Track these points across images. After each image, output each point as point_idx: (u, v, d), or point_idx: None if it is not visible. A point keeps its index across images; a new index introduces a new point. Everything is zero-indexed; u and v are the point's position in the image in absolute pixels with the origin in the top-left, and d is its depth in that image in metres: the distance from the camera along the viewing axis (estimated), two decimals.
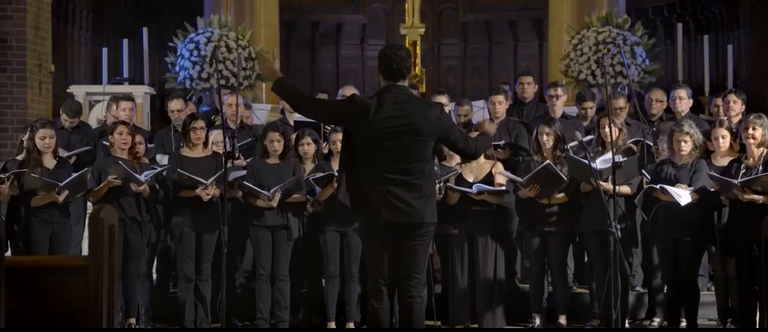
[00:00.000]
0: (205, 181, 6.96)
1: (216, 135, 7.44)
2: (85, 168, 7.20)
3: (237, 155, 7.05)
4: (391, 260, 5.09)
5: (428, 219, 5.09)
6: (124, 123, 7.33)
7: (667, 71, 12.35)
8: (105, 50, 10.92)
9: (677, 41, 11.82)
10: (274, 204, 7.08)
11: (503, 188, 7.14)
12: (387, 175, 4.97)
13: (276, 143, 7.24)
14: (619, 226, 5.98)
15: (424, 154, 5.07)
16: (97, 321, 3.79)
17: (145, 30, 11.37)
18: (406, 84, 5.14)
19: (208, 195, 7.00)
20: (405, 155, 5.00)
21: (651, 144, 7.48)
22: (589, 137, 7.40)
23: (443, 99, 8.42)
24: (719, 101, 8.27)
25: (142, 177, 6.95)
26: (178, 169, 6.99)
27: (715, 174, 6.67)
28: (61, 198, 6.89)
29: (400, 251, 5.08)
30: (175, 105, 8.46)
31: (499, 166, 7.27)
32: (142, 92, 9.81)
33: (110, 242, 3.91)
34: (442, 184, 7.01)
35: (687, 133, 6.78)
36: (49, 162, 7.04)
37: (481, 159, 7.16)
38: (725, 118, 7.35)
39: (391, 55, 5.06)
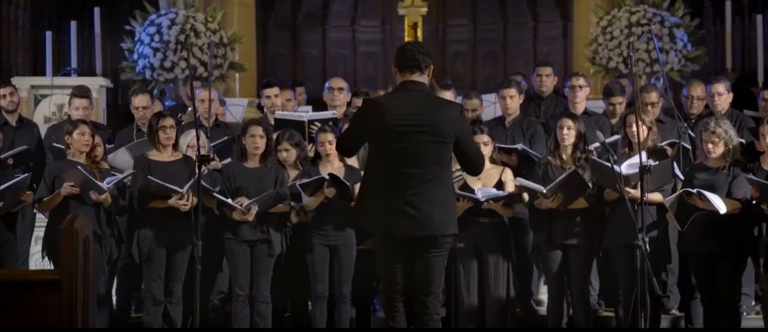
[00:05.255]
0: (180, 189, 7.19)
1: (191, 138, 7.59)
2: (24, 175, 7.51)
3: (212, 157, 7.48)
4: (407, 273, 5.66)
5: (449, 231, 5.67)
6: (85, 121, 7.57)
7: (713, 58, 12.60)
8: (48, 34, 11.02)
9: (726, 22, 12.00)
10: (250, 218, 7.38)
11: (512, 192, 7.39)
12: (403, 181, 5.53)
13: (258, 139, 7.51)
14: (647, 239, 6.34)
15: (443, 158, 5.63)
16: None
17: (96, 10, 11.49)
18: (425, 81, 5.68)
19: (186, 205, 7.23)
20: (422, 158, 5.54)
21: (688, 146, 7.77)
22: (614, 137, 7.77)
23: (448, 94, 8.67)
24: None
25: (104, 185, 7.19)
26: (149, 176, 7.21)
27: (754, 178, 6.92)
28: None
29: (415, 264, 5.64)
30: (139, 101, 8.61)
31: (509, 173, 7.58)
32: (96, 85, 9.89)
33: (85, 255, 4.40)
34: None
35: (713, 132, 7.03)
36: None
37: (487, 164, 7.50)
38: None
39: (404, 45, 5.83)
